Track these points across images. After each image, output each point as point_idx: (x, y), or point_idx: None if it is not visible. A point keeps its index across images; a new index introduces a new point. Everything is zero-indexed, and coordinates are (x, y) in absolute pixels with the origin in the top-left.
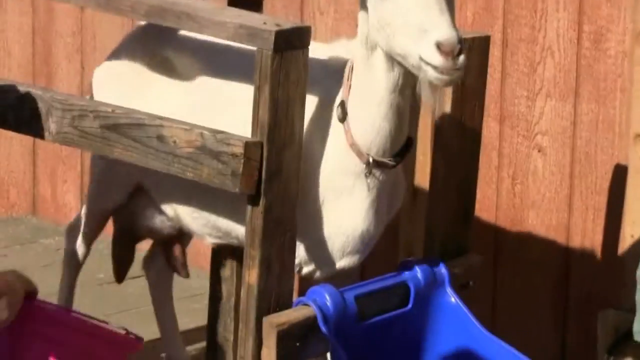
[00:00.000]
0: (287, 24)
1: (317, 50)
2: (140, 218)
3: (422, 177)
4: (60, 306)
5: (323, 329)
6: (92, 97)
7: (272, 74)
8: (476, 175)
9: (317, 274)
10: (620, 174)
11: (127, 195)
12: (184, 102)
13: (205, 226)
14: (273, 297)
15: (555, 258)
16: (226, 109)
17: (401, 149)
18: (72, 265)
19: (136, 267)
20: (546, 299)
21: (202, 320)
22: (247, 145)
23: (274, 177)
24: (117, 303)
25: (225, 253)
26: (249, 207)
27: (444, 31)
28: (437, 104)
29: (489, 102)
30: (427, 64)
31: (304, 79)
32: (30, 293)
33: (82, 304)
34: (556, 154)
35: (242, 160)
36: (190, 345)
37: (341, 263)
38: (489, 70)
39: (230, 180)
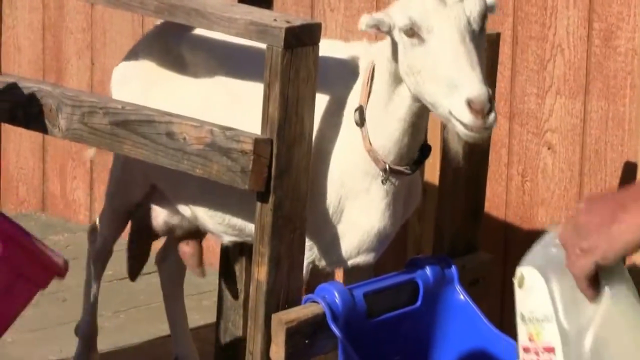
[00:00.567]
0: (298, 20)
1: (335, 48)
2: (157, 216)
3: (432, 174)
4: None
5: (332, 326)
6: (110, 96)
7: (282, 70)
8: (486, 172)
9: (332, 269)
10: (630, 172)
11: (143, 195)
12: (201, 100)
13: (220, 224)
14: (282, 294)
15: None
16: (242, 107)
17: (418, 157)
18: (96, 268)
19: (146, 264)
20: None
21: (211, 317)
22: (257, 142)
23: (284, 174)
24: (127, 300)
25: (234, 250)
26: (259, 204)
27: (475, 88)
28: (461, 150)
29: (498, 99)
30: (457, 119)
31: (314, 76)
32: None
33: None
34: (566, 151)
35: (252, 157)
36: (199, 342)
37: (356, 260)
38: (499, 67)
39: (240, 177)
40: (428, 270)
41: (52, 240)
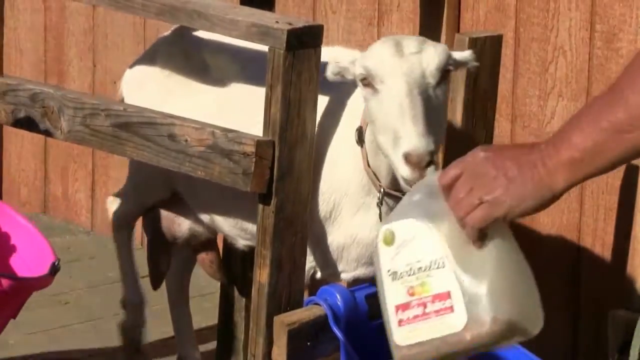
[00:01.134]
0: (299, 22)
1: (337, 54)
2: (180, 224)
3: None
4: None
5: (334, 328)
6: (122, 98)
7: (284, 72)
8: None
9: (332, 279)
10: (631, 174)
11: (161, 200)
12: (225, 104)
13: (234, 227)
14: (284, 296)
15: (566, 258)
16: (255, 112)
17: None
18: (121, 236)
19: (144, 268)
20: (557, 299)
21: (213, 319)
22: (259, 144)
23: (286, 176)
24: None
25: (236, 252)
26: (260, 206)
27: (413, 142)
28: None
29: (500, 101)
30: (398, 173)
31: (316, 78)
32: None
33: (94, 303)
34: None
35: (254, 159)
36: (201, 344)
37: (356, 272)
38: (501, 69)
39: (242, 179)
40: None
41: (53, 242)
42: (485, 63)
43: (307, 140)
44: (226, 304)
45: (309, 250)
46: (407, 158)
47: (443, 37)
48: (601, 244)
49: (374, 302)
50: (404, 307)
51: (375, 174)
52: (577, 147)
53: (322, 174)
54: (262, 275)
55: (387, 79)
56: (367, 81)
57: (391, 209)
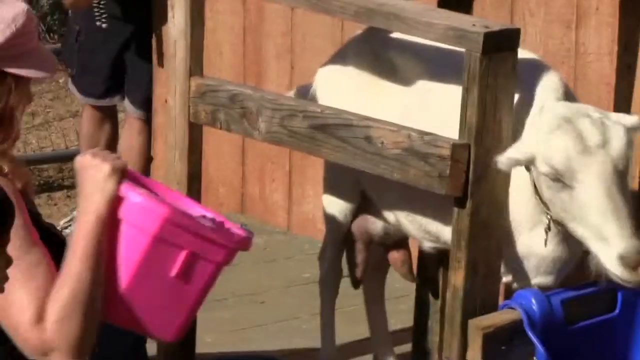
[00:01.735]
0: (496, 25)
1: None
2: (369, 221)
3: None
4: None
5: (529, 333)
6: (312, 97)
7: (480, 76)
8: None
9: (515, 285)
10: None
11: (356, 205)
12: (412, 104)
13: (419, 229)
14: (479, 299)
15: None
16: (442, 113)
17: None
18: (326, 293)
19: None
20: None
21: (407, 321)
22: (455, 147)
23: (481, 179)
24: None
25: (431, 255)
26: (456, 209)
27: (626, 245)
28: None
29: None
30: (609, 270)
31: (512, 81)
32: None
33: (289, 303)
34: None
35: (449, 163)
36: (396, 346)
37: (536, 280)
38: None
39: (437, 182)
40: None
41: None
42: None
43: (503, 144)
44: (421, 307)
45: None
46: (622, 260)
47: None
48: None
49: (570, 307)
50: None
51: (545, 203)
52: None
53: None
54: (457, 278)
55: (579, 178)
56: (556, 178)
57: (558, 234)
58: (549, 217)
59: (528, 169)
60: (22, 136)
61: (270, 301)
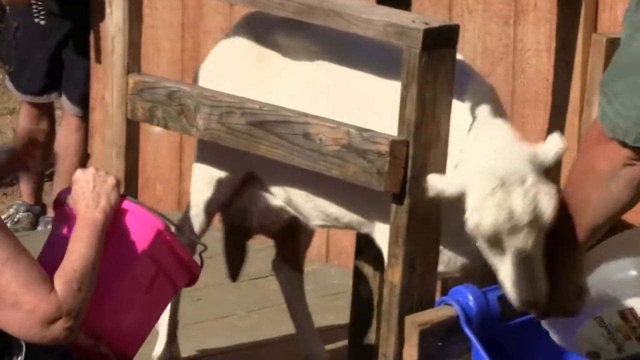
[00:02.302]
0: (436, 22)
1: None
2: (251, 214)
3: None
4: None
5: (465, 329)
6: (199, 77)
7: (419, 72)
8: None
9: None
10: None
11: (233, 190)
12: (303, 87)
13: (314, 209)
14: (416, 296)
15: None
16: (346, 95)
17: None
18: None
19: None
20: None
21: (345, 317)
22: (393, 143)
23: (420, 176)
24: (259, 300)
25: (368, 252)
26: (394, 206)
27: (521, 301)
28: None
29: None
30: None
31: (451, 78)
32: None
33: (227, 300)
34: None
35: (388, 159)
36: (333, 342)
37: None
38: None
39: (376, 179)
40: None
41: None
42: None
43: (442, 140)
44: (357, 303)
45: None
46: (520, 303)
47: (580, 37)
48: None
49: (506, 303)
50: None
51: None
52: None
53: None
54: (394, 274)
55: (503, 245)
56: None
57: None
58: None
59: None
60: None
61: (208, 298)
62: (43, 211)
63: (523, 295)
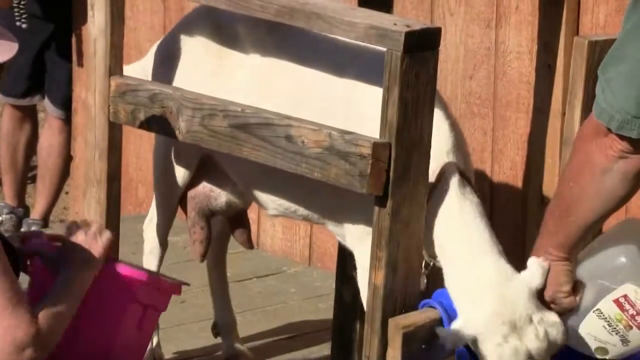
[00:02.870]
0: (418, 24)
1: None
2: (214, 199)
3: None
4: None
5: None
6: (146, 71)
7: (401, 75)
8: None
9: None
10: None
11: (193, 173)
12: (260, 77)
13: (269, 199)
14: (399, 298)
15: None
16: (302, 85)
17: None
18: (156, 266)
19: (261, 268)
20: None
21: (327, 320)
22: (375, 146)
23: (402, 178)
24: (242, 302)
25: (351, 253)
26: (376, 208)
27: None
28: None
29: None
30: None
31: (434, 81)
32: None
33: (210, 302)
34: None
35: (370, 161)
36: (315, 345)
37: None
38: None
39: (358, 181)
40: None
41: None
42: None
43: (424, 142)
44: (340, 306)
45: None
46: None
47: (562, 40)
48: None
49: None
50: None
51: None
52: None
53: None
54: (377, 277)
55: None
56: None
57: None
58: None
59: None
60: None
61: (191, 300)
62: (26, 213)
63: None
